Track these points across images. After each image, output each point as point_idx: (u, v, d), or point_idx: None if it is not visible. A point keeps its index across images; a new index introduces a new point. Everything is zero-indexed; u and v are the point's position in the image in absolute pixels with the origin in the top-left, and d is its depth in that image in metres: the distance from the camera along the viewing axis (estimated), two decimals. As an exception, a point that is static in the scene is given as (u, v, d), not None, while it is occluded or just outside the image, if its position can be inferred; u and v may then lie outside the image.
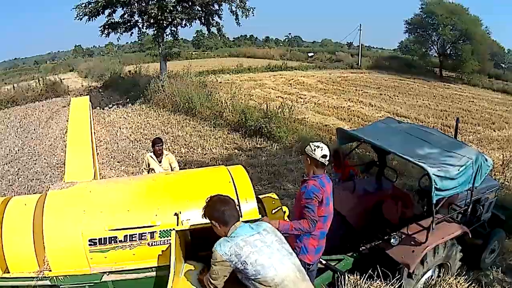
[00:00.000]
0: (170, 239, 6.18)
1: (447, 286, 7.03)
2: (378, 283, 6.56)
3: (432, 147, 9.32)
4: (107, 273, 6.37)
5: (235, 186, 6.78)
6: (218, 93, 28.66)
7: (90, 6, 27.50)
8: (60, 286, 6.30)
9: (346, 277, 6.92)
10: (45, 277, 6.20)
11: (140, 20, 29.68)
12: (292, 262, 5.13)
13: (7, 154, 20.87)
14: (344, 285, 6.70)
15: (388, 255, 8.72)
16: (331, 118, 26.71)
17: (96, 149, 8.92)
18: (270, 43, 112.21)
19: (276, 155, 19.55)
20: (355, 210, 10.28)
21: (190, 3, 28.99)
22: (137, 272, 6.45)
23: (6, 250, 6.25)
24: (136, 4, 28.68)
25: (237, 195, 6.66)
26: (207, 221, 5.48)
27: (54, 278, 6.21)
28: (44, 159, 19.39)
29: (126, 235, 6.19)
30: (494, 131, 27.27)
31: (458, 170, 8.49)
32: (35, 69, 65.83)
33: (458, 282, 7.18)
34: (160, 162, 11.52)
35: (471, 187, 9.04)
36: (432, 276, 9.01)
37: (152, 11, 27.21)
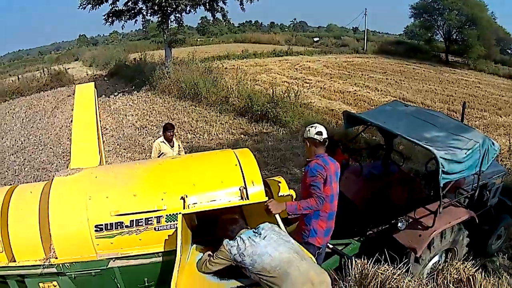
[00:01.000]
0: (176, 224, 6.14)
1: (454, 270, 6.94)
2: (385, 267, 6.48)
3: (439, 130, 9.24)
4: (113, 259, 6.34)
5: (241, 169, 6.74)
6: (224, 78, 28.48)
7: (93, -6, 27.35)
8: (66, 273, 6.27)
9: (353, 261, 6.81)
10: (51, 264, 6.17)
11: (144, 7, 29.46)
12: (288, 247, 5.40)
13: (13, 145, 20.93)
14: (351, 269, 6.61)
15: (395, 239, 8.71)
16: (337, 102, 26.63)
17: (102, 136, 8.83)
18: (275, 29, 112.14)
19: (282, 140, 19.48)
20: (361, 194, 10.29)
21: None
22: (144, 257, 6.42)
23: (12, 239, 6.23)
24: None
25: (243, 178, 6.61)
26: (214, 204, 5.96)
27: (60, 265, 6.18)
28: (50, 148, 19.56)
29: (133, 220, 6.15)
30: (501, 117, 27.15)
31: (465, 153, 8.43)
32: (39, 59, 65.83)
33: (465, 267, 7.09)
34: (172, 147, 11.54)
35: (478, 171, 8.99)
36: (439, 261, 8.98)
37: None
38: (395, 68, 46.90)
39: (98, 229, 6.09)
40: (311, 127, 7.22)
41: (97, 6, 27.92)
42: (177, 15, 30.54)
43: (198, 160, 7.65)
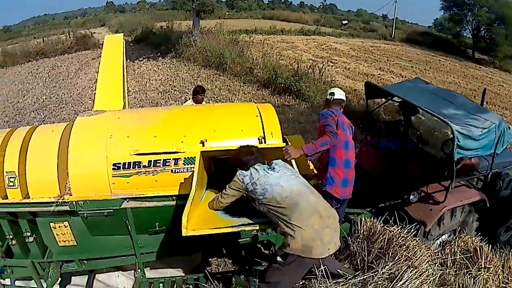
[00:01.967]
0: (193, 167, 6.17)
1: (462, 243, 6.94)
2: (394, 228, 6.50)
3: (457, 108, 9.33)
4: (127, 200, 6.41)
5: (262, 121, 6.79)
6: (250, 50, 28.56)
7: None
8: (79, 212, 6.32)
9: (363, 220, 6.83)
10: (64, 202, 6.24)
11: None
12: (300, 181, 5.54)
13: (34, 102, 21.04)
14: (360, 227, 6.64)
15: (406, 212, 8.74)
16: (360, 83, 26.26)
17: (129, 93, 8.89)
18: (304, 9, 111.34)
19: (303, 113, 19.57)
20: (377, 166, 10.45)
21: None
22: (157, 200, 6.49)
23: (29, 175, 6.31)
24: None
25: (263, 128, 6.69)
26: (231, 145, 6.12)
27: (74, 203, 6.23)
28: (72, 106, 19.60)
29: (151, 161, 6.22)
30: (521, 116, 26.78)
31: (481, 132, 8.48)
32: (65, 24, 65.71)
33: (473, 241, 7.09)
34: None
35: (493, 153, 9.05)
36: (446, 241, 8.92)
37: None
38: (421, 57, 46.36)
39: (116, 168, 6.17)
40: (329, 89, 7.95)
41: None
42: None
43: (221, 109, 7.74)
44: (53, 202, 6.25)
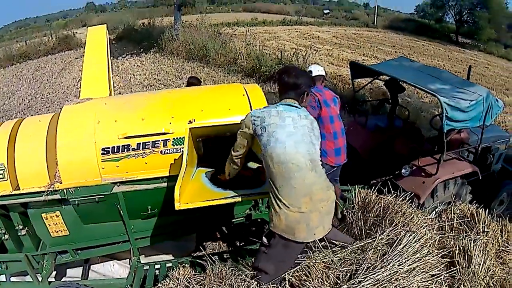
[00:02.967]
0: (182, 148, 6.14)
1: (458, 211, 6.94)
2: (388, 197, 6.49)
3: (444, 83, 9.45)
4: (118, 184, 6.36)
5: (249, 99, 6.77)
6: (233, 41, 28.64)
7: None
8: (70, 200, 6.28)
9: (357, 190, 6.82)
10: (55, 190, 6.17)
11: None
12: (308, 150, 4.89)
13: (20, 104, 20.94)
14: (355, 197, 6.63)
15: (398, 186, 8.77)
16: (345, 69, 26.41)
17: (114, 89, 8.82)
18: (285, 0, 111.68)
19: (289, 99, 19.30)
20: (366, 144, 10.58)
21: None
22: (148, 182, 6.44)
23: (18, 166, 6.23)
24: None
25: (250, 106, 6.64)
26: (221, 121, 6.06)
27: (64, 191, 6.18)
28: (57, 105, 19.41)
29: (139, 143, 6.16)
30: (508, 97, 27.10)
31: (469, 103, 8.63)
32: (47, 26, 65.52)
33: (468, 209, 7.10)
34: None
35: (482, 125, 9.16)
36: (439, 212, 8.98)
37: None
38: (404, 43, 46.56)
39: (105, 152, 6.10)
40: (308, 67, 8.67)
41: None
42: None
43: (207, 90, 7.77)
44: (43, 192, 6.19)
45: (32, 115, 17.02)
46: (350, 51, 36.61)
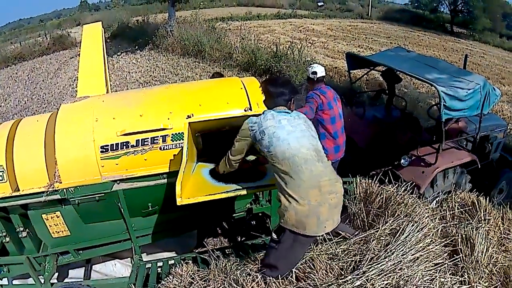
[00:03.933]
0: (182, 143, 6.15)
1: (459, 199, 6.94)
2: (390, 188, 6.49)
3: (441, 73, 9.42)
4: (118, 182, 6.36)
5: (247, 93, 6.77)
6: (228, 35, 28.66)
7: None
8: (70, 200, 6.28)
9: (359, 181, 6.81)
10: (55, 190, 6.16)
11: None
12: (311, 142, 5.01)
13: (16, 105, 20.86)
14: (356, 188, 6.62)
15: (398, 176, 8.81)
16: (341, 61, 26.45)
17: (110, 87, 8.81)
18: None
19: (286, 93, 19.32)
20: (364, 135, 10.57)
21: None
22: (148, 179, 6.44)
23: (17, 167, 6.21)
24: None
25: (249, 100, 6.67)
26: (220, 115, 6.10)
27: (64, 190, 6.17)
28: (54, 105, 19.34)
29: (138, 140, 6.18)
30: (504, 85, 26.97)
31: (467, 92, 8.62)
32: (41, 26, 65.30)
33: (469, 197, 7.10)
34: None
35: (480, 114, 9.16)
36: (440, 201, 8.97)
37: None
38: (399, 34, 46.48)
39: (104, 150, 6.11)
40: (309, 67, 8.68)
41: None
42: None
43: (205, 85, 7.73)
44: (43, 192, 6.16)
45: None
46: (345, 43, 36.55)
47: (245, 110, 6.60)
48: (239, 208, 7.63)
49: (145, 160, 6.30)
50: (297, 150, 4.83)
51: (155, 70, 24.33)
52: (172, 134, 6.28)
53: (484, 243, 5.59)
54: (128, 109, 6.42)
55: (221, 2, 75.22)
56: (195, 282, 5.07)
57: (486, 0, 55.40)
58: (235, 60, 24.27)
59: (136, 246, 7.10)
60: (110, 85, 18.28)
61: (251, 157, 6.46)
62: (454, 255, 5.45)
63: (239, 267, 5.13)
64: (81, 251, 7.09)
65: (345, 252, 5.17)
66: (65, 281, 7.64)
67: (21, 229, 6.73)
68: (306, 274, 4.94)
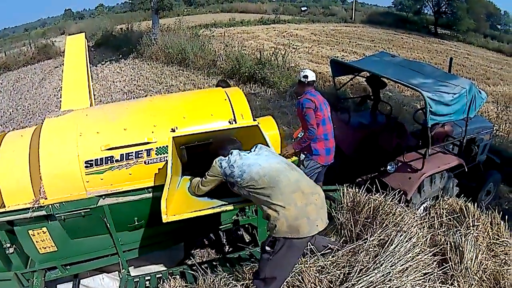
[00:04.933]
0: (166, 157, 6.11)
1: (447, 205, 6.95)
2: (377, 197, 6.48)
3: (426, 77, 9.42)
4: (103, 197, 6.31)
5: (231, 104, 6.80)
6: (211, 43, 28.49)
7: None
8: (56, 215, 6.23)
9: (345, 190, 6.81)
10: (41, 206, 6.10)
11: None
12: (280, 160, 5.46)
13: (1, 116, 20.71)
14: (343, 198, 6.61)
15: (384, 183, 8.72)
16: (325, 66, 26.42)
17: (94, 96, 8.77)
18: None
19: (270, 99, 19.73)
20: (349, 141, 10.48)
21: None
22: (133, 194, 6.42)
23: (2, 183, 6.15)
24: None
25: (233, 111, 6.68)
26: (204, 129, 6.18)
27: (50, 206, 6.11)
28: (39, 116, 19.26)
29: (123, 154, 6.14)
30: (489, 86, 27.25)
31: (452, 97, 8.61)
32: (25, 35, 65.12)
33: (457, 203, 7.10)
34: None
35: (466, 117, 9.16)
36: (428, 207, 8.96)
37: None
38: (383, 37, 46.82)
39: (88, 165, 6.06)
40: (300, 71, 8.75)
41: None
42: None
43: (188, 96, 7.72)
44: (29, 208, 6.11)
45: (14, 128, 16.96)
46: (329, 47, 36.65)
47: (229, 122, 6.60)
48: (225, 220, 7.65)
49: (130, 174, 6.26)
50: (269, 167, 5.16)
51: (139, 79, 24.32)
52: (157, 148, 6.25)
53: (473, 250, 5.60)
54: (112, 123, 6.39)
55: (204, 8, 75.45)
56: (183, 299, 5.05)
57: (469, 1, 55.68)
58: (219, 67, 24.26)
59: (123, 260, 7.06)
60: (95, 95, 18.21)
61: None
62: (444, 264, 5.46)
63: (228, 283, 5.09)
64: (68, 266, 7.02)
65: (334, 265, 5.18)
66: (53, 295, 7.55)
67: (8, 245, 6.63)
68: (295, 287, 4.91)
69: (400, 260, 4.98)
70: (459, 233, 5.92)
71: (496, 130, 14.74)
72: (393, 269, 4.84)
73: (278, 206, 4.83)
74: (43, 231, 6.53)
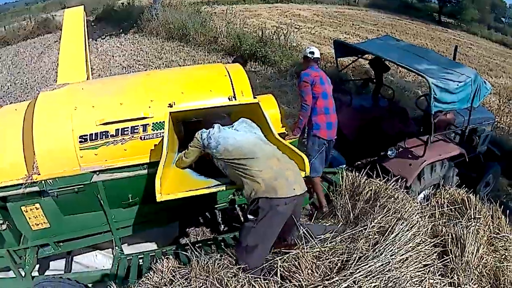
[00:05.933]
0: (163, 132, 6.04)
1: (448, 195, 6.87)
2: (377, 182, 6.41)
3: (431, 64, 9.27)
4: (97, 173, 6.23)
5: (231, 80, 6.71)
6: (213, 19, 28.35)
7: None
8: (49, 191, 6.15)
9: (345, 174, 6.74)
10: (34, 182, 5.99)
11: None
12: (254, 134, 5.66)
13: (-1, 90, 20.57)
14: (343, 181, 6.54)
15: (384, 168, 8.61)
16: (327, 47, 26.18)
17: (92, 73, 8.68)
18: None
19: (270, 78, 19.66)
20: (351, 124, 10.33)
21: None
22: (128, 170, 6.34)
23: None
24: None
25: (233, 88, 6.62)
26: (201, 105, 6.15)
27: (43, 182, 6.01)
28: (36, 90, 19.00)
29: (118, 129, 6.05)
30: (491, 77, 26.95)
31: (457, 85, 8.47)
32: (26, 9, 64.87)
33: (458, 192, 7.02)
34: None
35: (470, 107, 9.05)
36: (428, 195, 8.91)
37: None
38: (386, 21, 46.20)
39: (83, 140, 5.97)
40: (307, 48, 8.81)
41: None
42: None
43: (188, 71, 7.64)
44: (21, 184, 6.00)
45: (11, 102, 16.85)
46: (332, 29, 36.42)
47: (229, 99, 6.53)
48: (221, 199, 7.59)
49: (125, 150, 6.18)
50: (244, 141, 5.37)
51: (139, 54, 24.17)
52: (153, 123, 6.17)
53: (474, 243, 5.53)
54: (107, 97, 6.30)
55: (206, -15, 74.81)
56: (175, 280, 4.95)
57: (474, -10, 55.46)
58: (220, 44, 24.12)
59: (116, 238, 7.00)
60: (93, 69, 18.04)
61: None
62: (444, 256, 5.39)
63: (222, 265, 4.99)
64: (61, 244, 6.97)
65: (332, 251, 5.09)
66: (46, 273, 7.53)
67: (1, 221, 6.58)
68: (291, 273, 4.84)
69: (400, 250, 4.93)
70: (461, 225, 5.86)
71: (497, 122, 14.70)
72: (393, 258, 4.78)
73: (254, 171, 5.00)
74: (36, 207, 6.44)
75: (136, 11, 31.72)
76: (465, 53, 32.78)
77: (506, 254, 6.01)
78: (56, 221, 6.66)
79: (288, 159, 5.34)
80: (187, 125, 6.55)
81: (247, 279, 4.77)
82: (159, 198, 4.99)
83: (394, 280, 4.55)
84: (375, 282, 4.46)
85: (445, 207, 6.52)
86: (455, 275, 5.14)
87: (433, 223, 5.87)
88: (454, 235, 5.58)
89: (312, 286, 4.59)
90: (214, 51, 23.68)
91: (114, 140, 6.05)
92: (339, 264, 4.87)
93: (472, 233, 5.63)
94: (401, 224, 5.22)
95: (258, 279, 4.77)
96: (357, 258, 4.81)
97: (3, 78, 22.65)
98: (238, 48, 22.58)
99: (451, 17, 56.48)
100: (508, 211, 6.99)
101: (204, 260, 5.07)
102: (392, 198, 5.96)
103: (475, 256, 5.42)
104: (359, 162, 9.93)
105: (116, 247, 7.03)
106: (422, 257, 5.06)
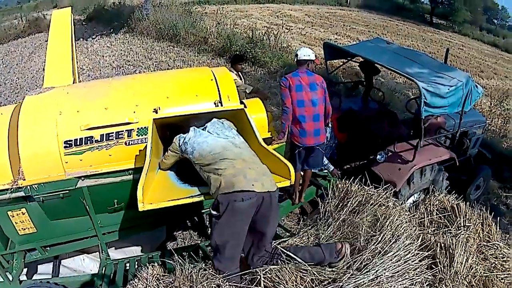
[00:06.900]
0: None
1: (437, 202, 6.85)
2: (368, 189, 6.39)
3: (422, 67, 9.24)
4: (82, 178, 6.22)
5: (217, 84, 6.68)
6: (203, 20, 28.43)
7: None
8: (34, 197, 6.12)
9: (336, 182, 6.74)
10: (19, 187, 5.99)
11: None
12: (228, 140, 5.63)
13: (-12, 91, 20.49)
14: (331, 188, 6.53)
15: (373, 173, 8.66)
16: (317, 48, 26.19)
17: (79, 76, 8.62)
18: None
19: (260, 79, 19.69)
20: (340, 127, 10.31)
21: None
22: (113, 175, 6.33)
23: None
24: None
25: (219, 92, 6.60)
26: (186, 111, 6.12)
27: (28, 187, 5.99)
28: (26, 90, 19.01)
29: (103, 134, 6.03)
30: (483, 79, 27.27)
31: (448, 89, 8.45)
32: (18, 8, 64.80)
33: (449, 199, 7.00)
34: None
35: (461, 111, 9.03)
36: (417, 200, 8.73)
37: None
38: (378, 22, 46.58)
39: (67, 145, 5.94)
40: (298, 50, 8.68)
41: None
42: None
43: (173, 75, 7.67)
44: (7, 190, 6.00)
45: (1, 102, 16.86)
46: (323, 30, 36.53)
47: (215, 104, 6.51)
48: (208, 203, 7.36)
49: (110, 156, 6.17)
50: (215, 144, 5.45)
51: (129, 54, 24.18)
52: (138, 129, 6.17)
53: (464, 253, 5.52)
54: (93, 102, 6.28)
55: (197, -14, 74.73)
56: (159, 288, 4.93)
57: (466, -8, 55.66)
58: (210, 45, 24.17)
59: (102, 243, 7.01)
60: (83, 69, 18.03)
61: None
62: (433, 266, 5.38)
63: (206, 276, 4.96)
64: (48, 248, 6.96)
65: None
66: (34, 277, 7.58)
67: (-12, 226, 6.54)
68: (274, 284, 4.88)
69: (391, 261, 4.92)
70: (450, 233, 5.86)
71: (489, 125, 14.77)
72: (383, 272, 4.77)
73: (219, 170, 5.11)
74: (22, 212, 6.42)
75: (127, 11, 31.77)
76: (456, 55, 33.18)
77: (496, 262, 5.99)
78: (42, 226, 6.63)
79: (257, 161, 5.39)
80: (173, 128, 6.41)
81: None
82: (141, 207, 4.99)
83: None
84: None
85: (434, 214, 6.48)
86: (443, 285, 5.14)
87: (421, 232, 5.86)
88: (443, 245, 5.57)
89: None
90: (204, 51, 23.71)
91: (99, 146, 6.04)
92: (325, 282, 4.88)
93: (461, 242, 5.61)
94: (389, 234, 5.23)
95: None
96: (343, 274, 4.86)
97: (-7, 78, 22.41)
98: (228, 49, 22.67)
99: (443, 18, 57.03)
100: (498, 215, 6.99)
101: (189, 269, 5.04)
102: (382, 207, 5.94)
103: (464, 266, 5.41)
104: (347, 166, 9.86)
105: (103, 252, 7.04)
106: (411, 268, 5.05)
